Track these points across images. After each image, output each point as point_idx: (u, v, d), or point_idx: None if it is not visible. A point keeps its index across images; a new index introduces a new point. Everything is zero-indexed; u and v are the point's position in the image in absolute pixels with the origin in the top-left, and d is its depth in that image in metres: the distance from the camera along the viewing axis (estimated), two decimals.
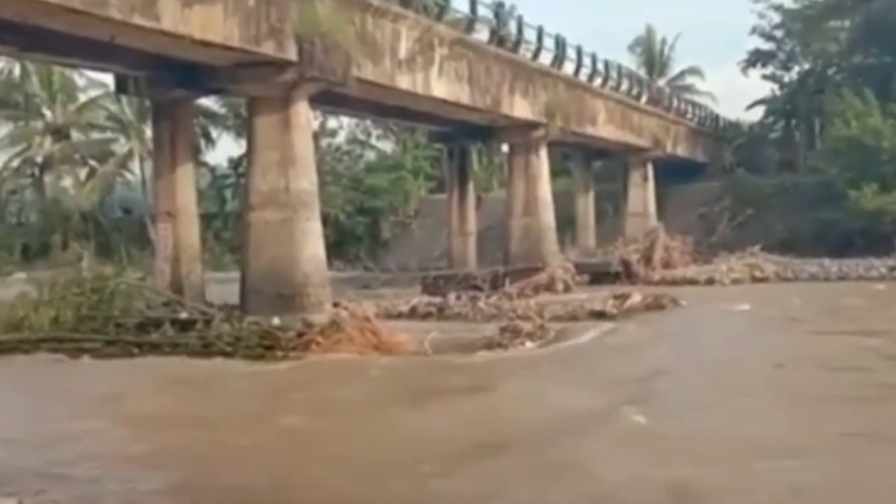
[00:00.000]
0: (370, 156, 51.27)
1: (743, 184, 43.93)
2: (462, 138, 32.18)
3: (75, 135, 49.52)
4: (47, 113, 48.82)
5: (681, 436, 9.92)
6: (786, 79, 50.54)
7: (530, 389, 13.24)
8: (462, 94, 25.63)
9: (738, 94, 66.49)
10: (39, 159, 48.75)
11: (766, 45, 50.16)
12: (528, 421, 10.96)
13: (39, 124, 48.76)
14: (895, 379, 13.20)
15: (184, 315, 17.67)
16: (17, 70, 47.75)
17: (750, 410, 11.15)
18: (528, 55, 29.76)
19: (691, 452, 9.09)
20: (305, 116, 19.74)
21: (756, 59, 50.38)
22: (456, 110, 26.86)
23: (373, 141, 51.94)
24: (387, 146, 52.03)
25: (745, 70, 50.87)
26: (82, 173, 49.16)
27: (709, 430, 10.11)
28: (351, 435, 10.50)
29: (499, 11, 27.50)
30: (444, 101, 25.24)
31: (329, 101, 23.13)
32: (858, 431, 9.79)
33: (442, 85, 24.41)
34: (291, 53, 18.19)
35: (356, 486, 8.38)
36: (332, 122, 49.00)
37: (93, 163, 48.64)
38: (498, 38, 27.19)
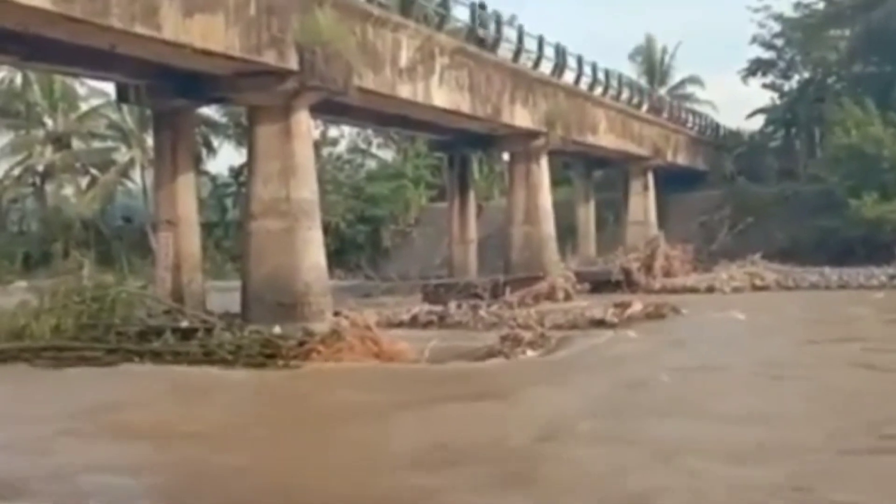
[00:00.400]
0: (371, 164, 51.36)
1: (743, 192, 43.94)
2: (463, 147, 32.24)
3: (76, 143, 49.64)
4: (48, 122, 48.92)
5: (635, 442, 9.93)
6: (786, 87, 50.66)
7: (514, 399, 13.35)
8: (463, 103, 25.70)
9: (738, 103, 66.64)
10: (41, 168, 48.83)
11: (766, 54, 50.27)
12: (503, 429, 11.06)
13: (41, 133, 48.86)
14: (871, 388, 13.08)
15: (185, 323, 17.64)
16: (18, 79, 47.88)
17: (720, 419, 11.05)
18: (529, 64, 29.84)
19: (640, 459, 9.18)
20: (306, 125, 19.80)
21: (756, 67, 50.46)
22: (456, 119, 26.93)
23: (374, 150, 52.08)
24: (388, 155, 52.16)
25: (745, 79, 51.00)
26: (83, 182, 49.26)
27: (666, 438, 10.10)
28: (338, 442, 10.64)
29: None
30: (445, 110, 25.31)
31: (330, 110, 23.19)
32: (818, 442, 9.70)
33: (442, 94, 24.48)
34: (292, 63, 18.26)
35: (341, 488, 8.56)
36: (333, 131, 49.18)
37: (94, 171, 48.76)
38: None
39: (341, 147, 50.78)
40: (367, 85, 20.85)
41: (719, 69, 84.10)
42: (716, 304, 26.21)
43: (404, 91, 22.77)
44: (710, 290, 30.72)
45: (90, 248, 41.14)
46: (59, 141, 48.74)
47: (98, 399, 13.35)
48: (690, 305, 24.60)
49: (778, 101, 50.74)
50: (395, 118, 27.22)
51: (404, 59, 22.55)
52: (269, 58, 17.88)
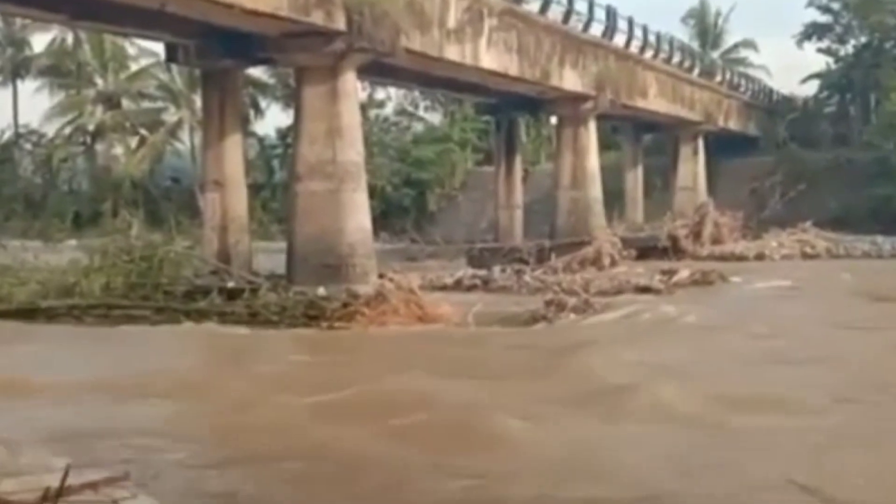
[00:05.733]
0: (418, 127, 51.17)
1: (796, 159, 43.22)
2: (510, 110, 32.02)
3: (126, 103, 50.02)
4: (99, 81, 49.33)
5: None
6: (842, 52, 49.54)
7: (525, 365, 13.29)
8: (511, 66, 25.43)
9: (792, 68, 65.30)
10: (91, 127, 49.30)
11: (822, 18, 49.23)
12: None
13: (91, 93, 49.28)
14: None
15: (231, 284, 17.81)
16: (69, 39, 48.31)
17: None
18: (579, 26, 29.44)
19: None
20: (353, 87, 19.73)
21: (812, 32, 49.43)
22: (504, 82, 26.68)
23: (420, 112, 51.88)
24: (434, 118, 51.93)
25: (800, 43, 49.99)
26: (133, 142, 49.65)
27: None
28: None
29: None
30: (493, 73, 25.07)
31: (377, 71, 23.10)
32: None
33: (490, 56, 24.23)
34: (340, 23, 18.14)
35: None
36: (379, 93, 49.00)
37: (143, 131, 49.11)
38: None
39: (388, 109, 50.69)
40: (415, 46, 20.68)
41: (774, 33, 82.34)
42: (765, 272, 25.88)
43: (452, 53, 22.56)
44: (760, 257, 30.43)
45: (139, 208, 41.70)
46: (110, 101, 49.16)
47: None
48: (739, 273, 24.30)
49: (833, 66, 49.68)
50: (441, 80, 27.04)
51: (452, 20, 22.32)
52: (317, 18, 17.78)
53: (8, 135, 50.14)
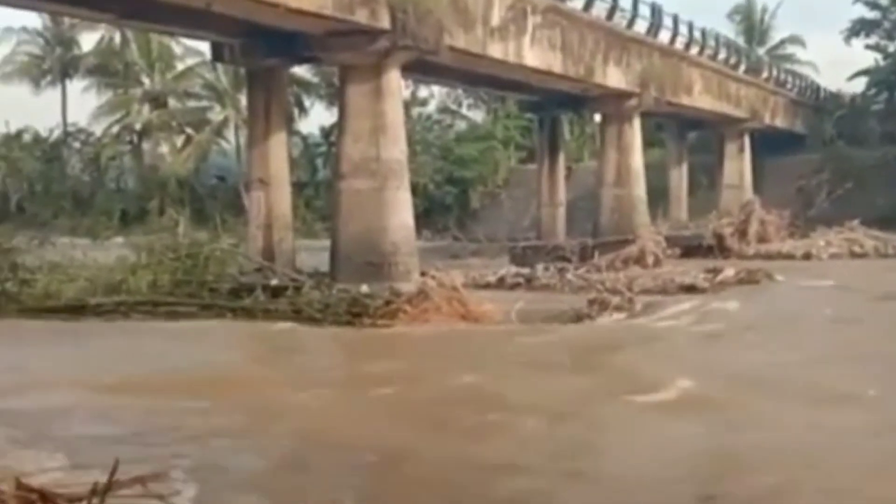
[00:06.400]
0: (461, 125, 51.17)
1: (843, 156, 42.60)
2: (553, 108, 31.92)
3: (172, 102, 50.53)
4: (146, 81, 49.88)
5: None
6: (890, 49, 48.72)
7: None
8: (554, 63, 25.34)
9: (840, 64, 64.44)
10: (138, 126, 49.88)
11: (870, 14, 48.50)
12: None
13: (138, 92, 49.84)
14: None
15: (275, 281, 17.94)
16: (117, 38, 48.90)
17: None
18: (623, 23, 29.26)
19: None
20: (397, 85, 19.79)
21: (859, 28, 48.71)
22: (548, 79, 26.60)
23: (463, 110, 51.88)
24: (477, 116, 51.92)
25: (847, 39, 49.27)
26: (179, 141, 50.16)
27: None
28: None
29: None
30: (536, 70, 25.01)
31: (420, 69, 23.13)
32: None
33: (534, 53, 24.17)
34: (384, 22, 18.21)
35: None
36: (422, 91, 49.07)
37: (189, 130, 49.58)
38: None
39: (431, 107, 50.79)
40: (458, 44, 20.70)
41: (821, 29, 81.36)
42: (812, 271, 25.55)
43: (495, 50, 22.54)
44: (807, 256, 30.00)
45: (185, 206, 42.13)
46: (156, 100, 49.70)
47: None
48: (786, 272, 24.00)
49: (882, 63, 48.91)
50: (485, 78, 27.03)
51: (496, 17, 22.31)
52: (361, 17, 17.86)
53: (57, 133, 50.92)
